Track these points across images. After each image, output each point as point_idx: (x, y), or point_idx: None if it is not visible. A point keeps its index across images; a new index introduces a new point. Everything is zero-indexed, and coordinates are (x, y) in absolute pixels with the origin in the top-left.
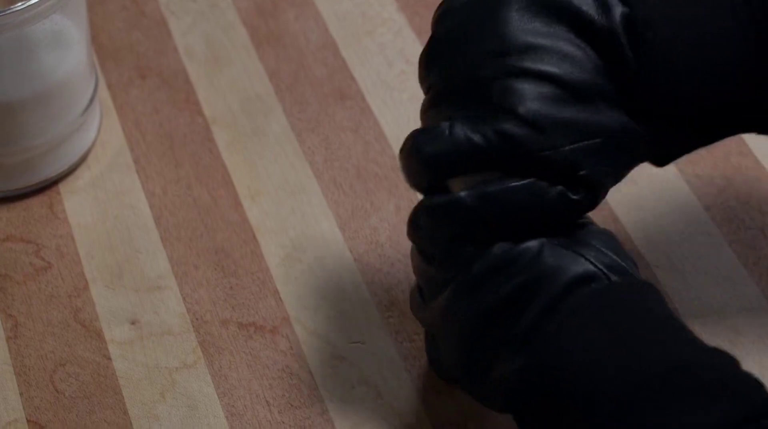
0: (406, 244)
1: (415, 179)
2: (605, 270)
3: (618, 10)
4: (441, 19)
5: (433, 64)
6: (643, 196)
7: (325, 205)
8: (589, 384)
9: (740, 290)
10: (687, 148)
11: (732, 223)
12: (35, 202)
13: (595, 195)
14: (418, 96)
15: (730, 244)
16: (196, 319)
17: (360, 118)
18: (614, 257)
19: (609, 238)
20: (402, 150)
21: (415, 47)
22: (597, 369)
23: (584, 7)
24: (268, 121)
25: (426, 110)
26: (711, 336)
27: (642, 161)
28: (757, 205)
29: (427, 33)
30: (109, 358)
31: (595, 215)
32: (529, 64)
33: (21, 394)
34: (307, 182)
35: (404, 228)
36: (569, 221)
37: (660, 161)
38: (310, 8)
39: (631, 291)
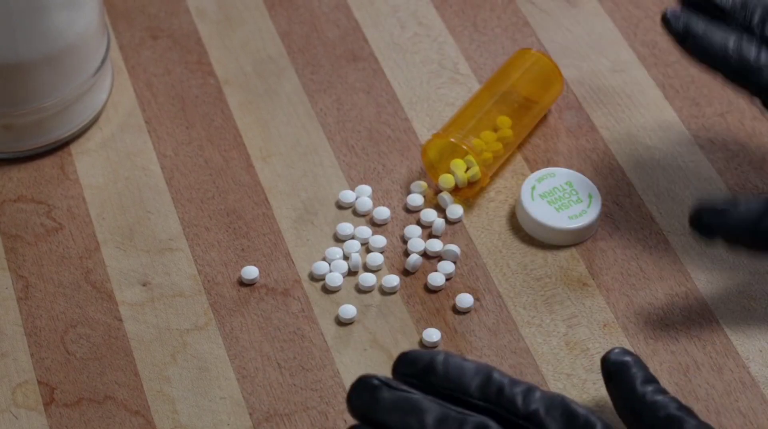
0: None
1: None
2: None
3: None
4: None
5: None
6: (656, 160)
7: (337, 166)
8: None
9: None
10: None
11: (745, 188)
12: (47, 163)
13: None
14: (430, 58)
15: None
16: (208, 280)
17: (372, 79)
18: None
19: None
20: None
21: (427, 10)
22: None
23: None
24: (280, 82)
25: None
26: (724, 302)
27: None
28: None
29: None
30: (120, 320)
31: (607, 179)
32: None
33: (32, 355)
34: (319, 143)
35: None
36: None
37: None
38: None
39: None
